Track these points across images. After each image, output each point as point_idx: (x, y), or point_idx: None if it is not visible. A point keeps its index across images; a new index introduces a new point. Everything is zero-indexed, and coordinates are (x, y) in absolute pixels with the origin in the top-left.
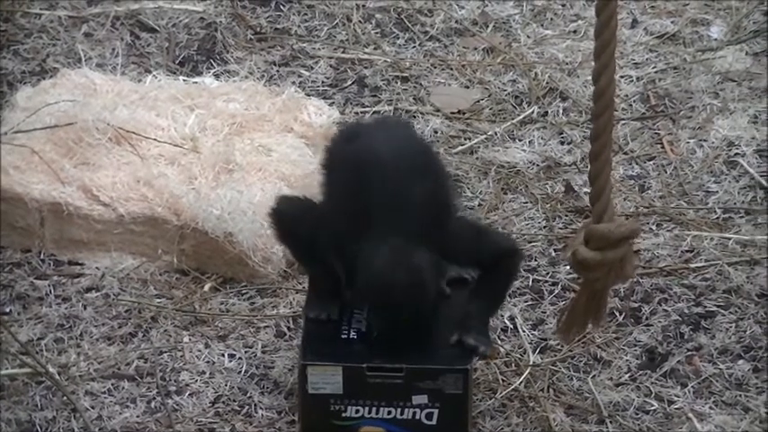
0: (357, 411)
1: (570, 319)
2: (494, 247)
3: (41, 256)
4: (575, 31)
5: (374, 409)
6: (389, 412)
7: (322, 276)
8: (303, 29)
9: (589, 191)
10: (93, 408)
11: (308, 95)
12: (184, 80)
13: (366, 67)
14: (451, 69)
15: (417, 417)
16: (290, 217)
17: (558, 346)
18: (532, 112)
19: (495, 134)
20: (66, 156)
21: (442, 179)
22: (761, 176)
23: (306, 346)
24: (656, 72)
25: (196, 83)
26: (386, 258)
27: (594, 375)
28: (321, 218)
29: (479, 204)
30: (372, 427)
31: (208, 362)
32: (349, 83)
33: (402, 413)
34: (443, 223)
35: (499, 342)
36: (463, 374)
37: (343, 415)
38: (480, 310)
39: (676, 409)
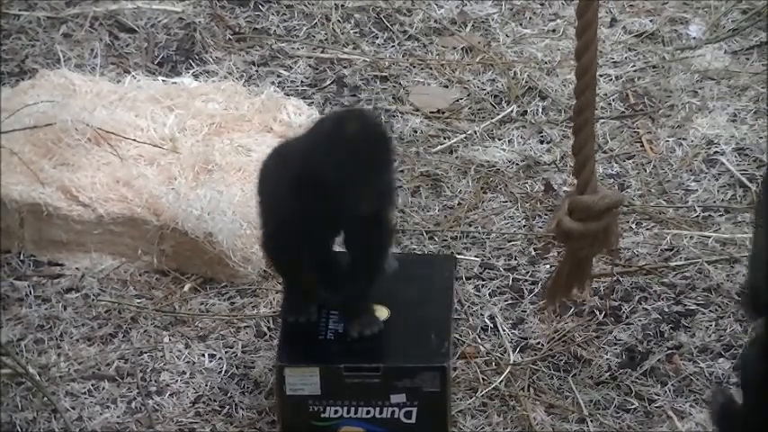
0: (336, 412)
1: (555, 285)
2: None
3: (21, 257)
4: (553, 30)
5: (353, 409)
6: (368, 412)
7: (299, 277)
8: (282, 29)
9: (573, 163)
10: (73, 408)
11: (288, 95)
12: (163, 80)
13: (345, 67)
14: (430, 69)
15: (396, 415)
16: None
17: (539, 345)
18: (512, 112)
19: (475, 133)
20: (45, 156)
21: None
22: (740, 174)
23: (283, 347)
24: (635, 71)
25: (175, 83)
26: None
27: (575, 374)
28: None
29: (459, 203)
30: (352, 427)
31: (188, 362)
32: (328, 82)
33: (381, 412)
34: None
35: (479, 341)
36: (440, 372)
37: (322, 416)
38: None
39: (657, 407)
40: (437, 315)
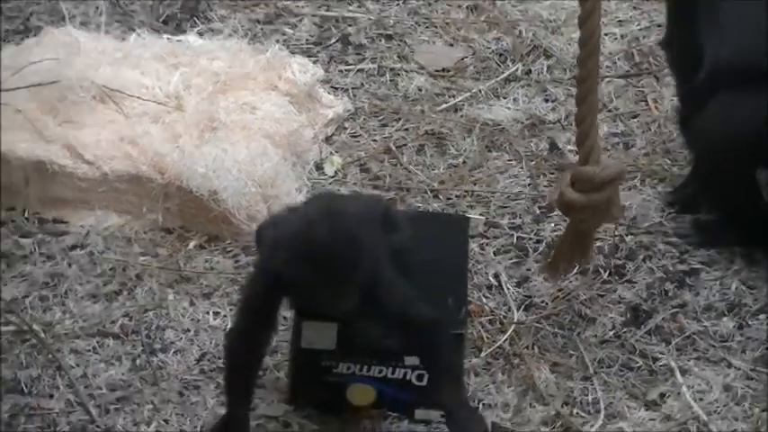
0: (348, 368)
1: (558, 256)
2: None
3: (26, 215)
4: None
5: (365, 367)
6: (380, 371)
7: None
8: None
9: (575, 132)
10: (78, 365)
11: (292, 53)
12: (168, 38)
13: (350, 25)
14: (436, 27)
15: (408, 377)
16: None
17: (543, 304)
18: (516, 70)
19: (480, 92)
20: (50, 114)
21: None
22: None
23: None
24: (639, 30)
25: (180, 41)
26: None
27: (579, 333)
28: None
29: (464, 162)
30: (362, 384)
31: (192, 320)
32: (333, 41)
33: (393, 372)
34: None
35: (484, 300)
36: (458, 339)
37: (334, 371)
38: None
39: (661, 365)
40: (454, 279)
